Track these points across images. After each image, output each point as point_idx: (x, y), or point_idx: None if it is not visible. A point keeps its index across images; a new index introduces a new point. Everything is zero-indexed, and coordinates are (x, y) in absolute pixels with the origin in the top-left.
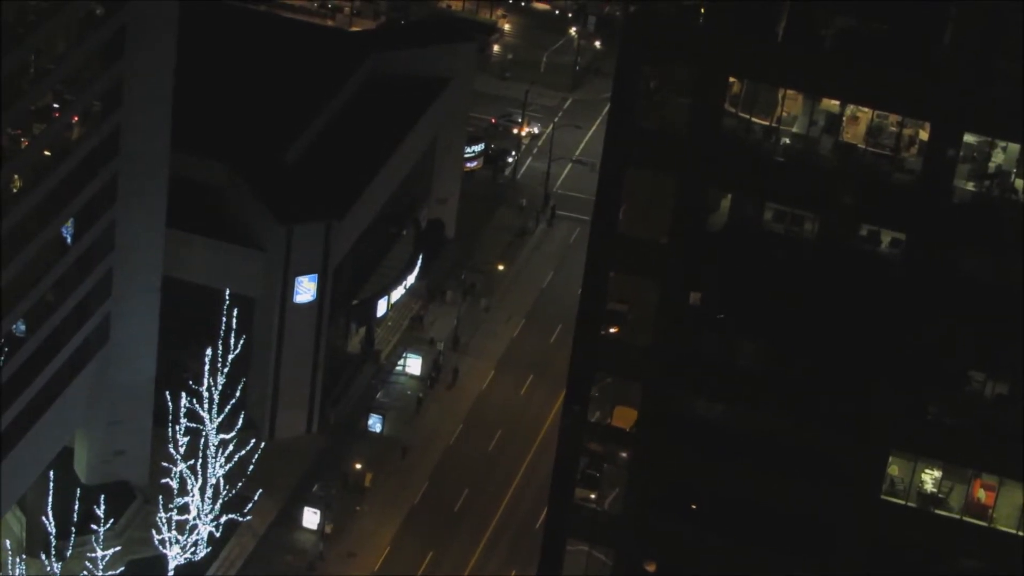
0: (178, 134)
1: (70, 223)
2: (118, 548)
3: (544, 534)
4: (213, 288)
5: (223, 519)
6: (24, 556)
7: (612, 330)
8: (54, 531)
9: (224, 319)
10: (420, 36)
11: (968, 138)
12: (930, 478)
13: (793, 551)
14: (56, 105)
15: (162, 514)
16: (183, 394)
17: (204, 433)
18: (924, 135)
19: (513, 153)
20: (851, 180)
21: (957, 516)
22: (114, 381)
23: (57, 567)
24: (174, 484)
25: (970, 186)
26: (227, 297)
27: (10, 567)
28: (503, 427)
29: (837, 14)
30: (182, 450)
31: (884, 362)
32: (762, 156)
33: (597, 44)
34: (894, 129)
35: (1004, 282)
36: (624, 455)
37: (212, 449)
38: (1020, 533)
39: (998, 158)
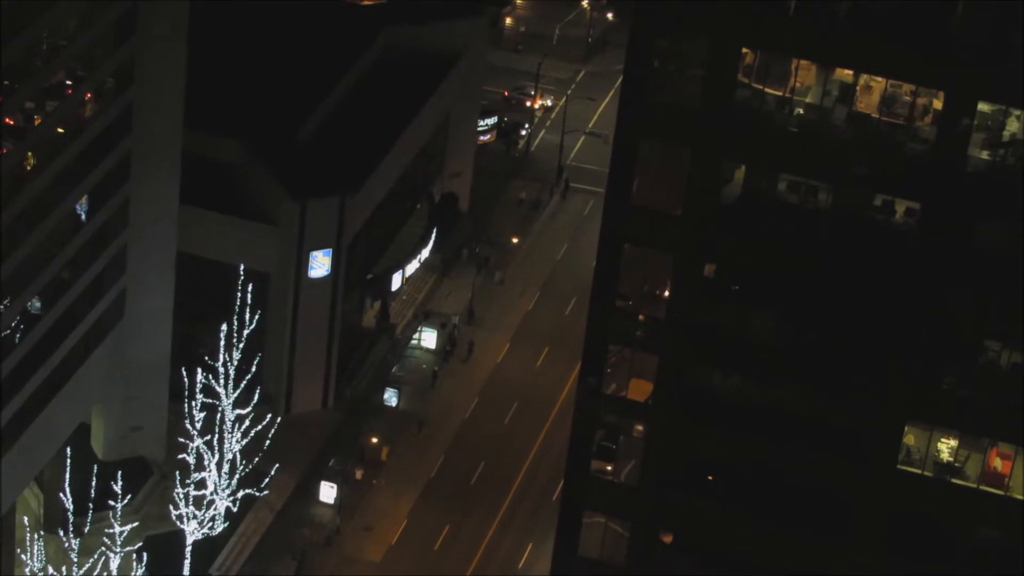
0: (191, 111)
1: (84, 200)
2: (135, 524)
3: (561, 506)
4: (228, 264)
5: (240, 494)
6: (42, 532)
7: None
8: (71, 507)
9: (239, 295)
10: (432, 10)
11: (982, 107)
12: (946, 447)
13: (809, 522)
14: (69, 82)
15: (179, 489)
16: (199, 370)
17: (220, 408)
18: (938, 104)
19: (526, 126)
20: (865, 150)
21: (974, 485)
22: (130, 357)
23: (75, 543)
24: (191, 459)
25: (984, 155)
26: (242, 273)
27: (28, 543)
28: (519, 400)
29: None
30: (198, 425)
31: (899, 332)
32: (776, 127)
33: (609, 16)
34: (908, 98)
35: (1019, 250)
36: (640, 427)
37: (228, 424)
38: None
39: (1012, 126)
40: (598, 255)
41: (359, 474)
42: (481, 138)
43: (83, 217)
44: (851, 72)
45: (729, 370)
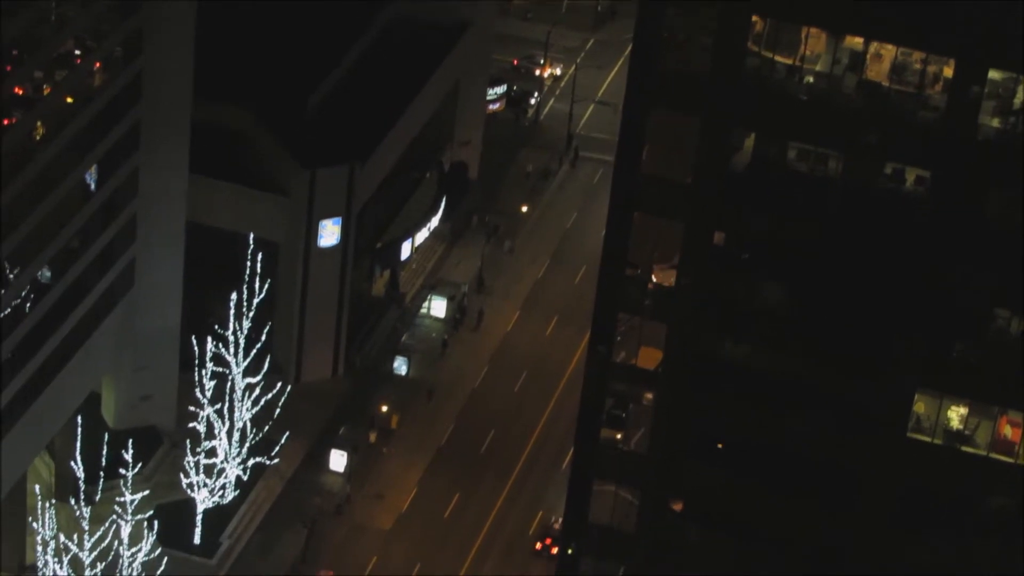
0: (201, 80)
1: (93, 170)
2: (146, 492)
3: (570, 475)
4: (237, 233)
5: (250, 462)
6: (53, 501)
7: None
8: (83, 476)
9: (248, 263)
10: None
11: (993, 74)
12: (956, 415)
13: (818, 490)
14: (78, 52)
15: (190, 458)
16: (209, 338)
17: (230, 377)
18: (948, 72)
19: (536, 95)
20: (875, 118)
21: (983, 453)
22: (140, 326)
23: (86, 511)
24: (201, 428)
25: (995, 123)
26: (251, 242)
27: (40, 511)
28: (528, 368)
29: None
30: (209, 394)
31: (909, 300)
32: (785, 95)
33: None
34: (918, 66)
35: None
36: (649, 395)
37: (239, 393)
38: None
39: (1023, 94)
40: (607, 224)
41: (372, 437)
42: (490, 107)
43: (92, 187)
44: (861, 40)
45: (739, 338)
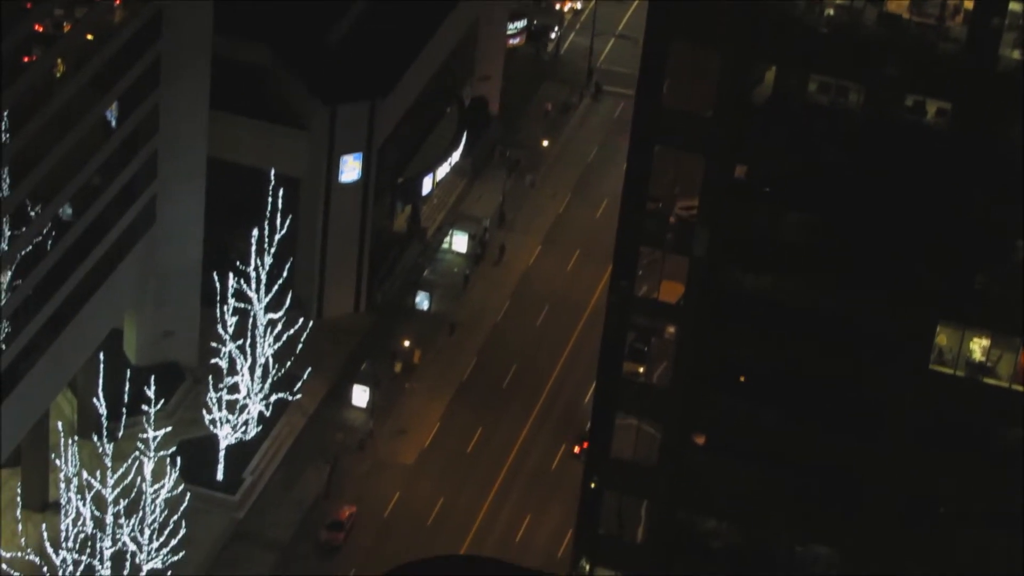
0: (221, 16)
1: (114, 107)
2: (169, 428)
3: (593, 408)
4: (258, 169)
5: (272, 398)
6: (76, 437)
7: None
8: (105, 412)
9: (270, 199)
10: None
11: (1013, 6)
12: (978, 347)
13: (841, 423)
14: None
15: (212, 394)
16: (230, 274)
17: (252, 313)
18: (968, 4)
19: (556, 28)
20: (896, 50)
21: (1006, 384)
22: (161, 263)
23: (109, 448)
24: (223, 364)
25: (1015, 54)
26: (272, 178)
27: (62, 448)
28: (550, 302)
29: None
30: (231, 330)
31: (930, 232)
32: (806, 27)
33: None
34: None
35: None
36: (671, 329)
37: (260, 329)
38: None
39: None
40: (628, 157)
41: (398, 367)
42: (511, 41)
43: (113, 124)
44: None
45: (761, 271)
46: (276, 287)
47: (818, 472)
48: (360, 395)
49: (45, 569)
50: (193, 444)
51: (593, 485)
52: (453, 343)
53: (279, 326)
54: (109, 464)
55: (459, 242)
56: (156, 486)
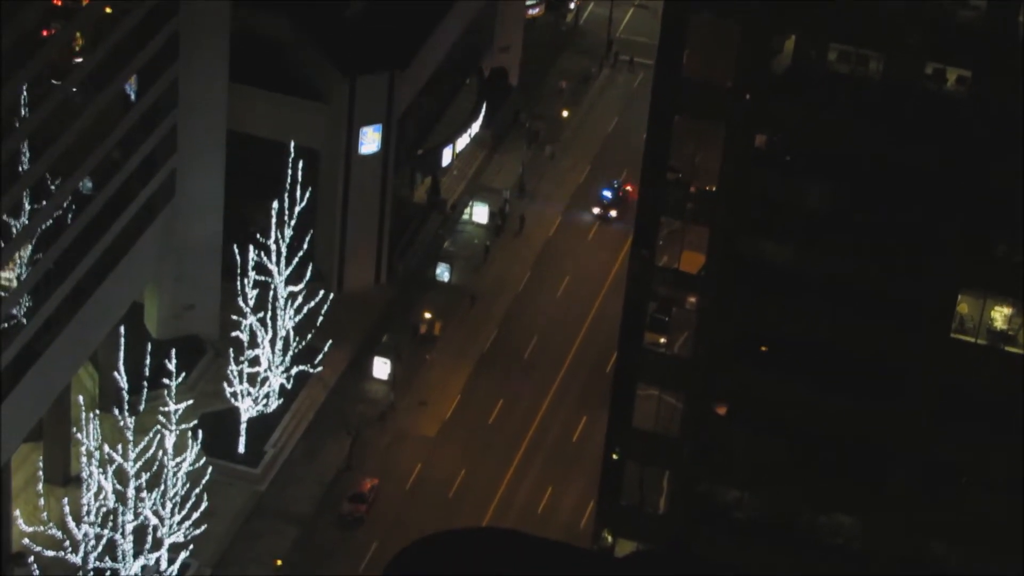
0: None
1: (133, 80)
2: (190, 401)
3: (614, 379)
4: (278, 141)
5: (293, 371)
6: (97, 411)
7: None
8: (126, 386)
9: (290, 172)
10: None
11: None
12: (1000, 315)
13: (863, 392)
14: None
15: (233, 367)
16: (251, 247)
17: (273, 286)
18: None
19: None
20: (916, 19)
21: None
22: (182, 236)
23: (130, 421)
24: (244, 337)
25: None
26: (292, 150)
27: (84, 422)
28: (571, 273)
29: None
30: (251, 303)
31: (952, 200)
32: None
33: None
34: None
35: None
36: (692, 299)
37: (281, 301)
38: None
39: None
40: (648, 127)
41: (423, 328)
42: (530, 11)
43: (132, 97)
44: None
45: (782, 240)
46: (296, 260)
47: (839, 442)
48: (381, 367)
49: (67, 543)
50: (214, 417)
51: (615, 456)
52: (474, 314)
53: (299, 299)
54: (131, 438)
55: (479, 213)
56: (178, 459)
